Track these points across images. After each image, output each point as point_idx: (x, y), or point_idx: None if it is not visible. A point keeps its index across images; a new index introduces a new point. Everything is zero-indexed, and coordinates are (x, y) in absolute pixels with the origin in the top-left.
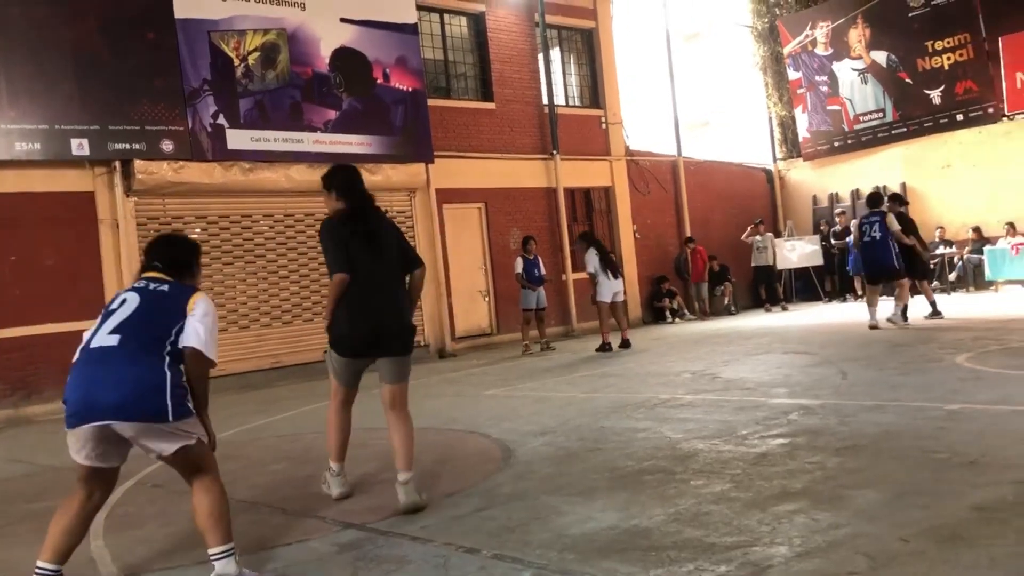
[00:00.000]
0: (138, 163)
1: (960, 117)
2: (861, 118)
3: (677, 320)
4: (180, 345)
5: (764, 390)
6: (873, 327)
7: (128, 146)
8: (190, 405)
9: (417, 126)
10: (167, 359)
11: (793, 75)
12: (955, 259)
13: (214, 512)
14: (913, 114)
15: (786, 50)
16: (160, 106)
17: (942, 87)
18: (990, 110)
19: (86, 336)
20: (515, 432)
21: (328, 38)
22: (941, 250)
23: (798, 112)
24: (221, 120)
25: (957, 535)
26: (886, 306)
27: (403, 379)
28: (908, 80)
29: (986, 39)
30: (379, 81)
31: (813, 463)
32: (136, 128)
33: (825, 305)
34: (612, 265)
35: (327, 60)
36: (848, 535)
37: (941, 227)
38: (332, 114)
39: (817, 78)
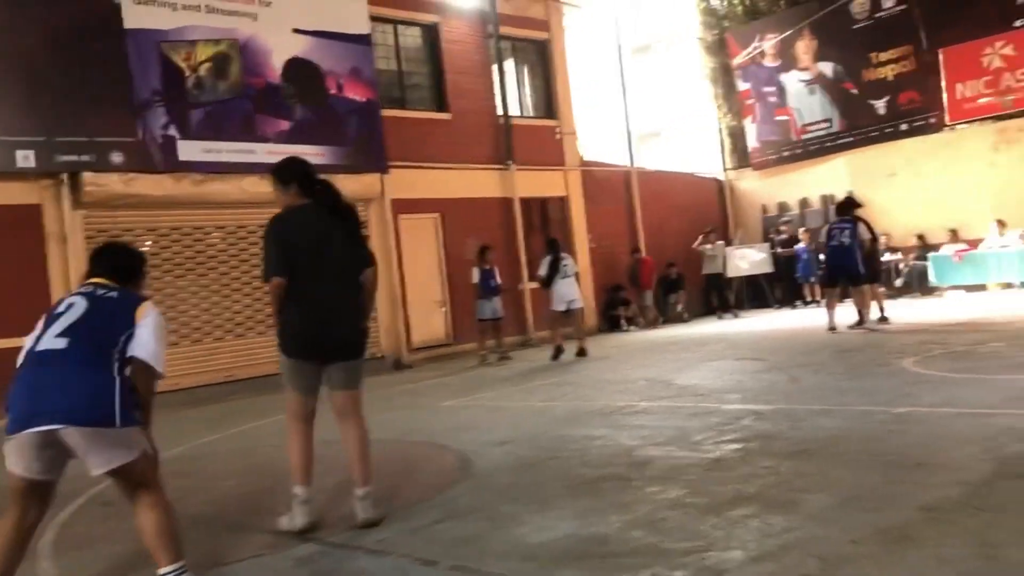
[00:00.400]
0: (87, 175)
1: (904, 127)
2: (808, 128)
3: (632, 328)
4: (128, 354)
5: (717, 396)
6: (832, 330)
7: (76, 158)
8: (137, 415)
9: (371, 137)
10: (115, 365)
11: (742, 86)
12: (901, 265)
13: (162, 530)
14: (858, 124)
15: (735, 62)
16: (109, 117)
17: (886, 97)
18: (932, 120)
19: (29, 341)
20: (473, 442)
21: (280, 49)
22: (887, 257)
23: (747, 122)
24: (172, 131)
25: (906, 536)
26: (844, 311)
27: (355, 386)
28: (853, 91)
29: (927, 51)
30: (332, 92)
31: (766, 468)
32: (85, 139)
33: (775, 312)
34: (556, 271)
35: (279, 71)
36: (800, 538)
37: (887, 234)
38: (285, 125)
39: (765, 89)
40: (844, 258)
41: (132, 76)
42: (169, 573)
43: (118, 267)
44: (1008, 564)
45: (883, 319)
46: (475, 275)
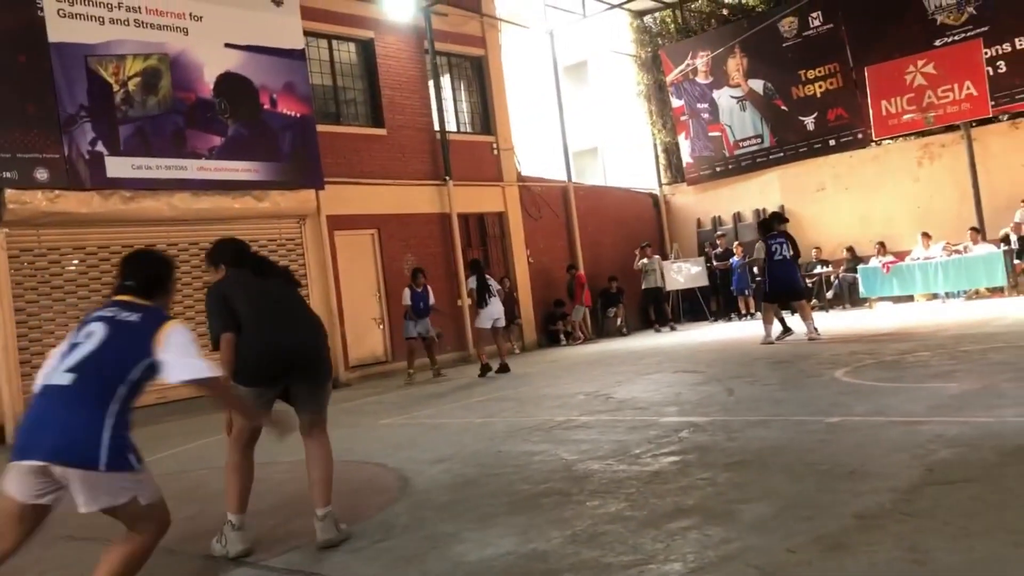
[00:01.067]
0: (9, 192)
1: (832, 142)
2: (741, 144)
3: (572, 343)
4: (175, 380)
5: (656, 409)
6: (768, 343)
7: None
8: (131, 458)
9: (306, 152)
10: (117, 404)
11: (676, 103)
12: (831, 278)
13: (117, 569)
14: (789, 140)
15: (668, 78)
16: (33, 133)
17: (815, 114)
18: (859, 135)
19: (50, 365)
20: (412, 461)
21: (212, 63)
22: (818, 269)
23: (681, 138)
24: (100, 147)
25: (840, 543)
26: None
27: (321, 407)
28: (783, 107)
29: (853, 69)
30: (266, 107)
31: (704, 479)
32: (7, 156)
33: (711, 324)
34: (486, 291)
35: (211, 86)
36: (739, 549)
37: (818, 247)
38: (217, 140)
39: (698, 105)
40: (789, 272)
41: (57, 91)
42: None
43: (146, 278)
44: (937, 568)
45: (787, 331)
46: (406, 296)
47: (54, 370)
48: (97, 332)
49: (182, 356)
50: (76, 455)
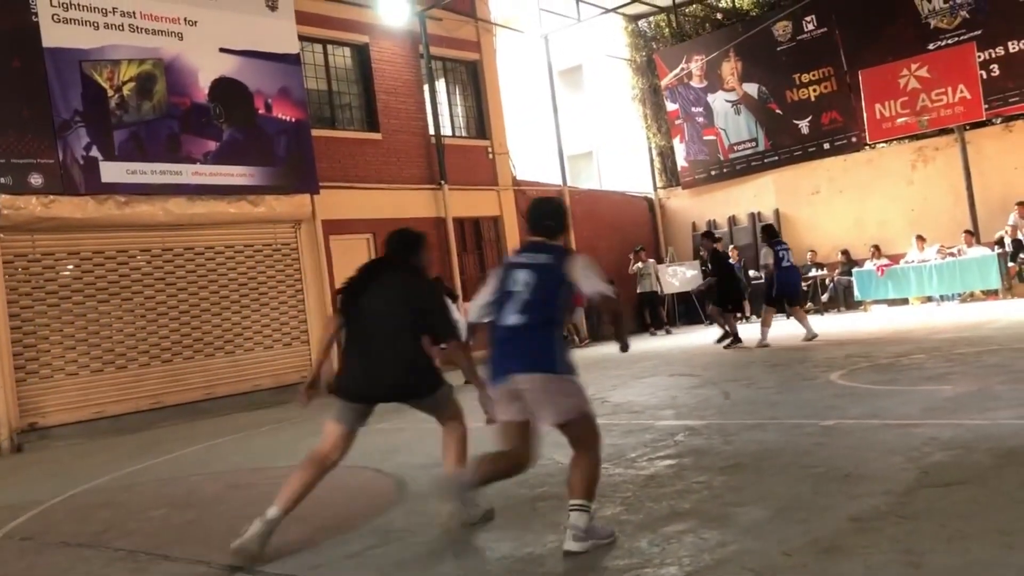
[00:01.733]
0: (3, 198)
1: (827, 146)
2: (735, 147)
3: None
4: (587, 294)
5: (651, 412)
6: (763, 346)
7: None
8: (575, 367)
9: (301, 157)
10: (556, 327)
11: (671, 106)
12: (826, 281)
13: (583, 475)
14: (783, 143)
15: (663, 82)
16: (27, 138)
17: (809, 117)
18: (853, 139)
19: (480, 303)
20: (407, 465)
21: (207, 68)
22: (813, 272)
23: (676, 142)
24: (94, 152)
25: (835, 546)
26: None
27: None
28: (778, 111)
29: (847, 73)
30: (261, 112)
31: (700, 483)
32: (1, 161)
33: (707, 328)
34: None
35: (206, 91)
36: (735, 552)
37: (812, 250)
38: (212, 145)
39: (693, 109)
40: (794, 277)
41: (52, 96)
42: (575, 506)
43: (555, 223)
44: (932, 570)
45: (737, 340)
46: None
47: (503, 313)
48: (526, 279)
49: (586, 280)
50: (539, 365)
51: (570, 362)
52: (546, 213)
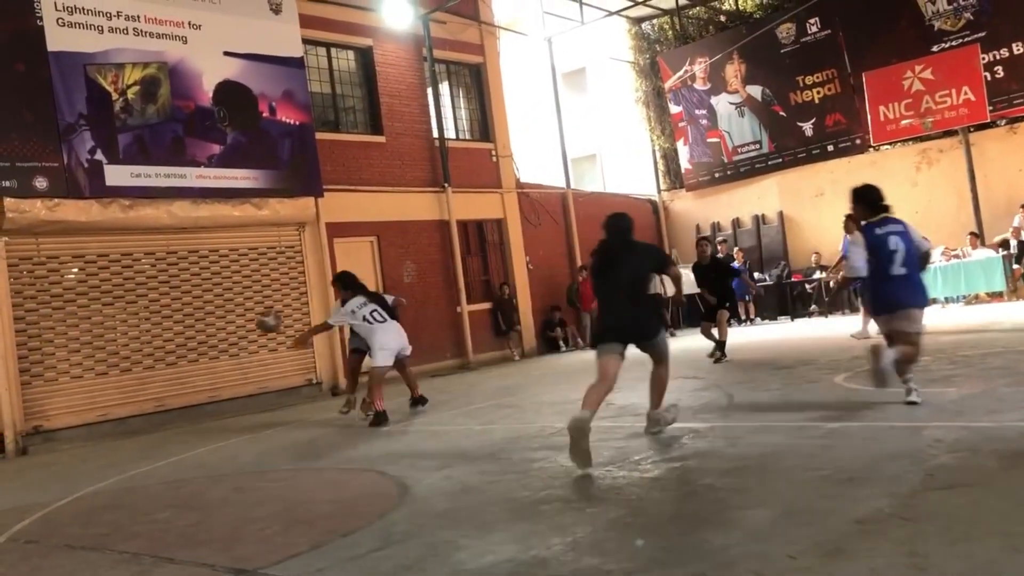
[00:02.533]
0: (8, 201)
1: (830, 148)
2: (739, 150)
3: (571, 349)
4: (924, 249)
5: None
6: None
7: None
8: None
9: (305, 160)
10: (920, 275)
11: (674, 109)
12: (830, 283)
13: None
14: (787, 145)
15: (667, 85)
16: (32, 142)
17: (813, 120)
18: (857, 141)
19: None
20: (411, 468)
21: (211, 72)
22: (817, 275)
23: (680, 144)
24: (99, 156)
25: (840, 549)
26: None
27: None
28: (782, 113)
29: (851, 75)
30: (265, 115)
31: (704, 485)
32: (6, 164)
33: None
34: (386, 309)
35: (210, 94)
36: (739, 555)
37: (817, 252)
38: (216, 148)
39: (697, 112)
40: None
41: (56, 99)
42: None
43: (887, 204)
44: (936, 573)
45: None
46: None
47: (891, 265)
48: (901, 240)
49: (920, 239)
50: (921, 302)
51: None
52: (878, 194)
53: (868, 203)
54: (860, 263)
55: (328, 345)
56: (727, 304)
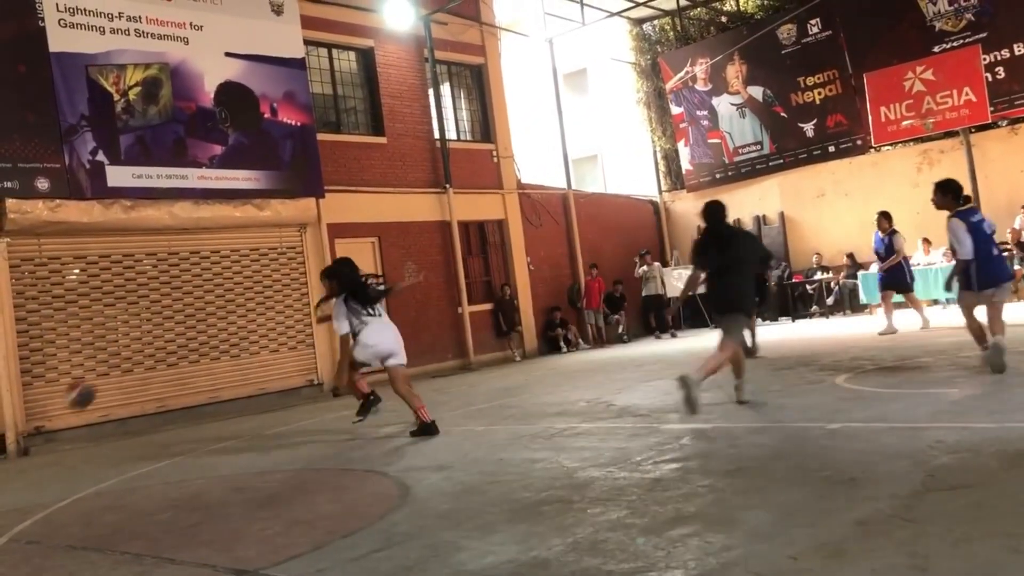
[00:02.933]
0: (10, 202)
1: (832, 149)
2: (740, 151)
3: (572, 349)
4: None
5: (657, 416)
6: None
7: None
8: None
9: (306, 160)
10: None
11: (675, 110)
12: (832, 284)
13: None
14: (788, 146)
15: (668, 86)
16: (34, 143)
17: (814, 120)
18: (859, 142)
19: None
20: (412, 469)
21: (213, 73)
22: (818, 276)
23: (681, 145)
24: (100, 156)
25: (841, 550)
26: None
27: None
28: (783, 114)
29: (852, 75)
30: (266, 116)
31: (705, 486)
32: (7, 165)
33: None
34: (365, 298)
35: (212, 95)
36: (740, 556)
37: (818, 253)
38: (218, 149)
39: (698, 112)
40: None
41: (58, 100)
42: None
43: (959, 192)
44: (938, 574)
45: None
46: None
47: (992, 245)
48: (988, 225)
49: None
50: (1010, 276)
51: None
52: (960, 187)
53: (956, 194)
54: (969, 247)
55: (330, 347)
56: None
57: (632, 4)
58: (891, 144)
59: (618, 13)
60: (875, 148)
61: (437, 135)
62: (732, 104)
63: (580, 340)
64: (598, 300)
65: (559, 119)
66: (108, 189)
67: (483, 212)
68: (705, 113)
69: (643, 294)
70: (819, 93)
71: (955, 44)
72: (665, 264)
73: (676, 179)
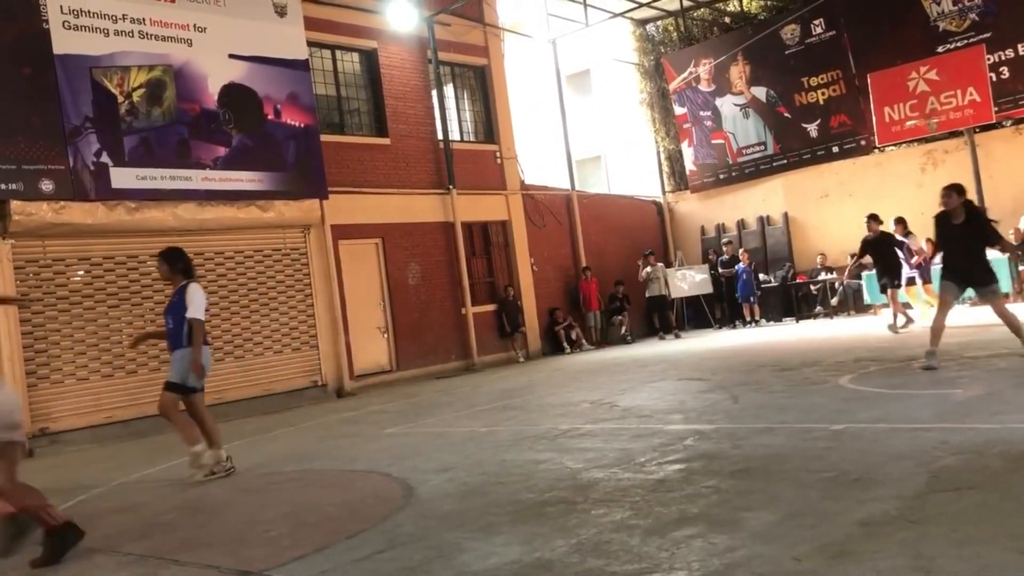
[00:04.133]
0: (14, 204)
1: (835, 149)
2: (744, 151)
3: (576, 350)
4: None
5: (660, 417)
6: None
7: (4, 186)
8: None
9: (310, 162)
10: None
11: (679, 110)
12: (836, 284)
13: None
14: (792, 147)
15: (671, 86)
16: (38, 144)
17: (818, 121)
18: (862, 142)
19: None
20: (416, 470)
21: (216, 75)
22: (823, 276)
23: (684, 146)
24: (105, 158)
25: (845, 551)
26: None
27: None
28: (787, 114)
29: (856, 76)
30: (270, 117)
31: (709, 487)
32: (12, 167)
33: (716, 331)
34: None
35: (215, 97)
36: (744, 557)
37: (822, 254)
38: (221, 151)
39: (701, 113)
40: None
41: (62, 102)
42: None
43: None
44: (942, 575)
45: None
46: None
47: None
48: None
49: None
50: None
51: None
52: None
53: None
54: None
55: (333, 348)
56: (896, 280)
57: (635, 5)
58: (895, 144)
59: (621, 14)
60: (879, 148)
61: (441, 136)
62: (736, 105)
63: (584, 341)
64: (596, 302)
65: (562, 120)
66: (112, 191)
67: (487, 213)
68: (709, 114)
69: (647, 295)
70: (823, 93)
71: (959, 44)
72: (669, 265)
73: (680, 180)
